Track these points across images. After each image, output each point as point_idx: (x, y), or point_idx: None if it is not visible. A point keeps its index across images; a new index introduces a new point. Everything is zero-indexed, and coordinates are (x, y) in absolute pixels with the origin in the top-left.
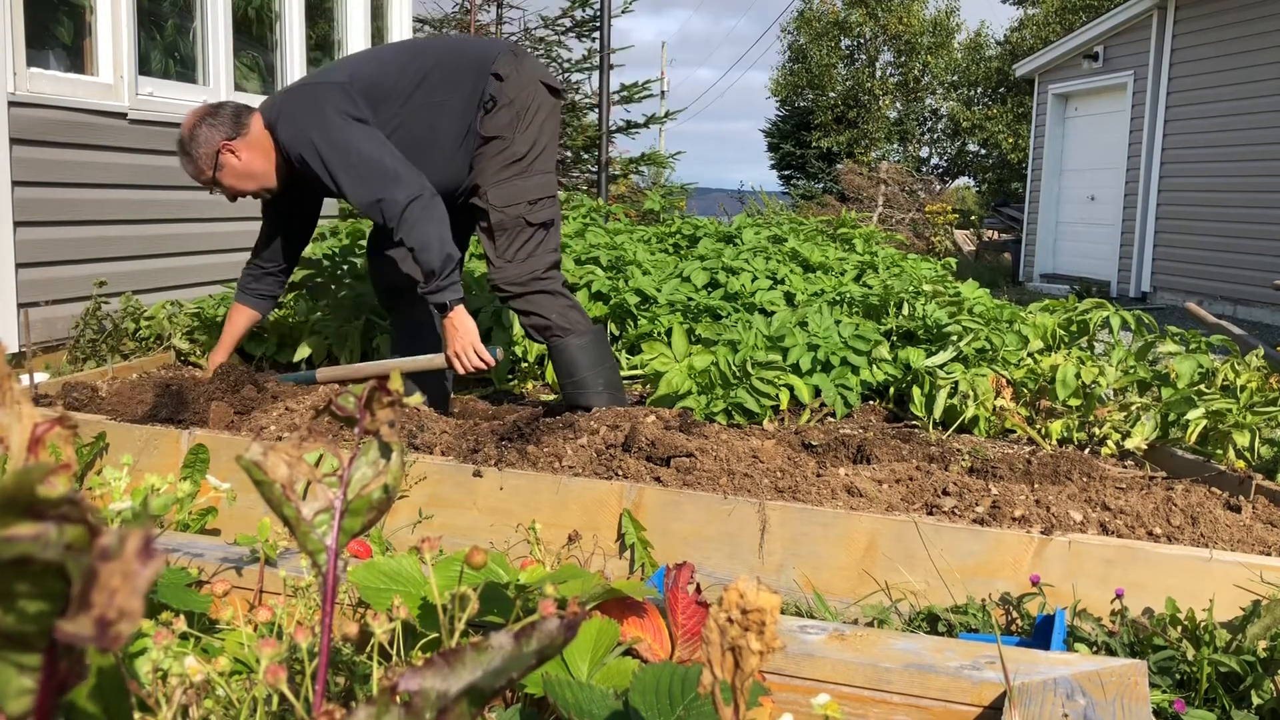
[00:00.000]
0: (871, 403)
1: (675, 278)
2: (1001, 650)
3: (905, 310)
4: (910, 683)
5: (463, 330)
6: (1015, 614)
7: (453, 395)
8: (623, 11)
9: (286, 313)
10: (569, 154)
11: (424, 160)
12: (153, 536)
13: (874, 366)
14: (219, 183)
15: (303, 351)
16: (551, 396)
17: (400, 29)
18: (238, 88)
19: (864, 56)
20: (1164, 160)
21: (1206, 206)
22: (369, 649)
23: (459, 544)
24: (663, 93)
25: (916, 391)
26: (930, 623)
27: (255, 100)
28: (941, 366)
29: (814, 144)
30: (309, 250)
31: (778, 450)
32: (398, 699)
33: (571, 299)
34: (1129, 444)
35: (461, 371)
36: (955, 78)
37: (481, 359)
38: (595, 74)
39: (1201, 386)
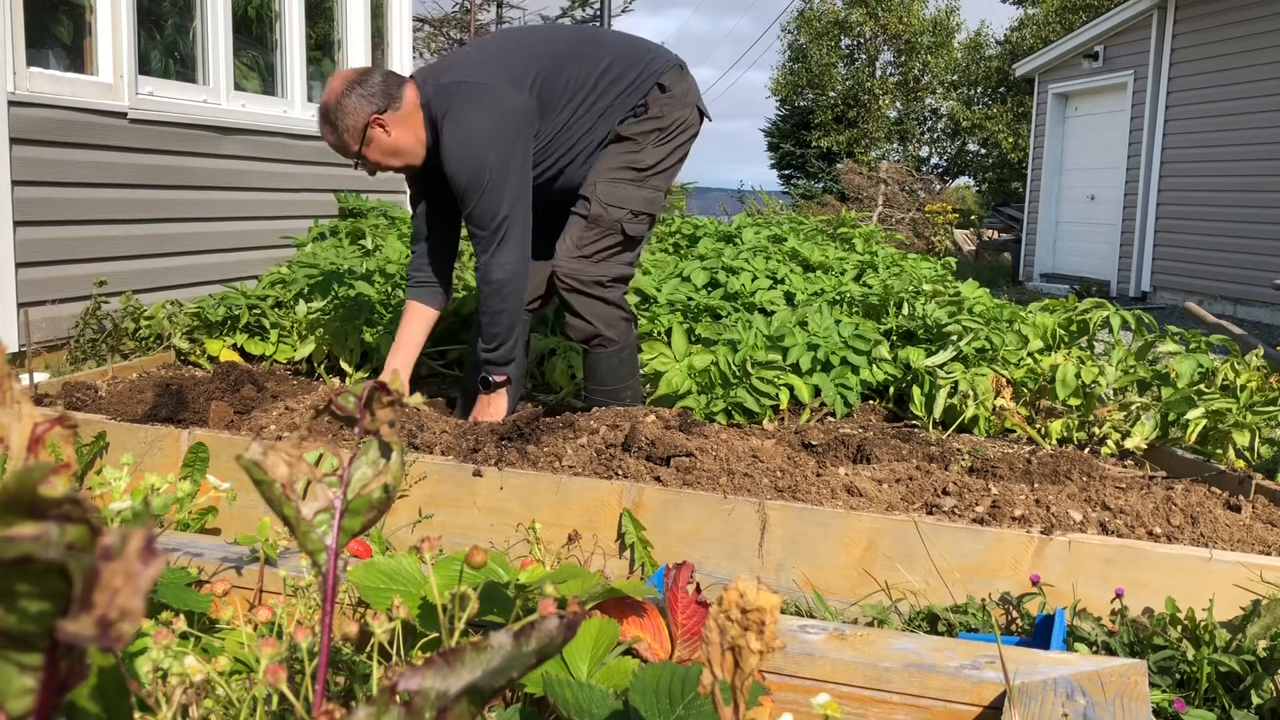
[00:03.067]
0: (871, 402)
1: (675, 277)
2: (1001, 650)
3: (905, 310)
4: (910, 682)
5: (493, 411)
6: (1015, 614)
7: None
8: (623, 11)
9: (286, 312)
10: None
11: (571, 163)
12: (154, 536)
13: (874, 366)
14: (363, 158)
15: (303, 351)
16: (550, 396)
17: (400, 29)
18: (238, 87)
19: (864, 56)
20: (1164, 160)
21: (1206, 206)
22: (369, 649)
23: (459, 544)
24: None
25: (916, 391)
26: (930, 622)
27: (256, 100)
28: (941, 366)
29: (814, 143)
30: (309, 249)
31: (778, 450)
32: (397, 698)
33: (627, 311)
34: (1129, 444)
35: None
36: (955, 77)
37: None
38: None
39: (1201, 386)
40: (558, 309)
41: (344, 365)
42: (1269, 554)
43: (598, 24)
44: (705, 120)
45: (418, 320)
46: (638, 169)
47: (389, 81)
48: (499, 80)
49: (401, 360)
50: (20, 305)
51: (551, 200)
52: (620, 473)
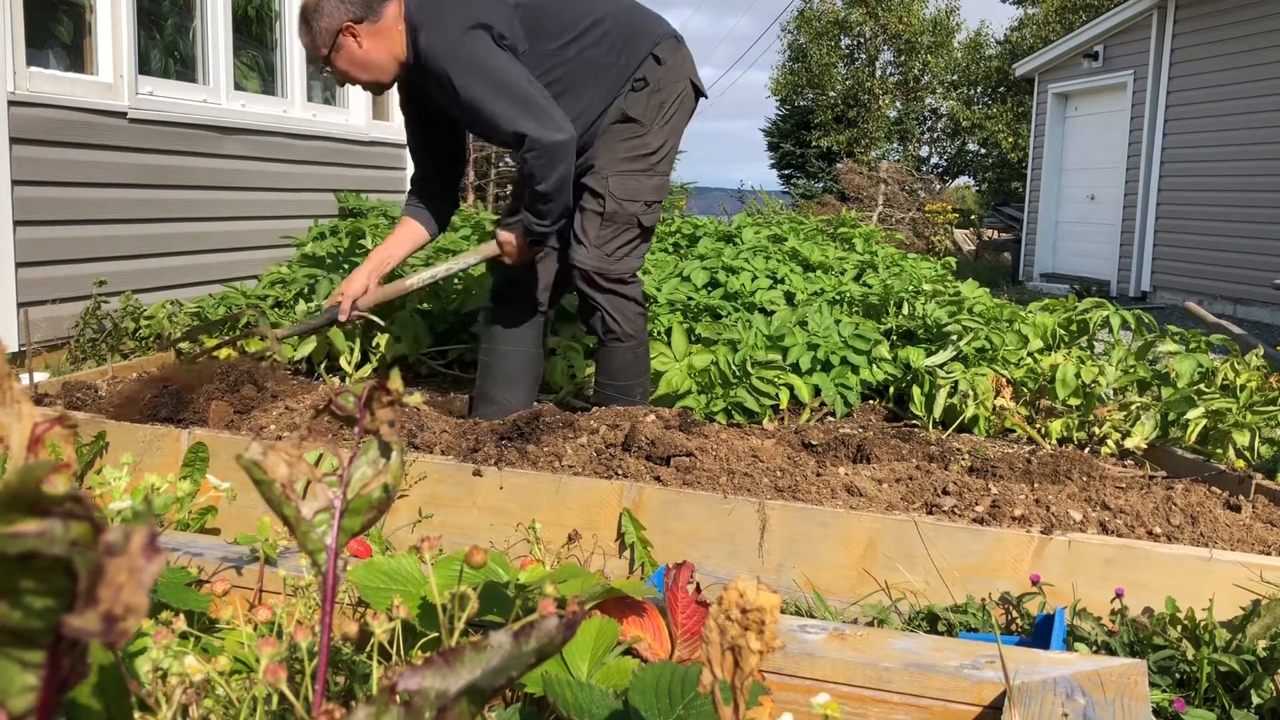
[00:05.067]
0: (871, 402)
1: (675, 277)
2: (1001, 650)
3: (905, 310)
4: (910, 682)
5: (528, 252)
6: (1015, 613)
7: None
8: None
9: (286, 312)
10: None
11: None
12: (156, 533)
13: (874, 366)
14: (331, 63)
15: (303, 350)
16: (550, 396)
17: None
18: (238, 87)
19: (864, 56)
20: (1164, 160)
21: (1206, 206)
22: (369, 648)
23: (459, 543)
24: None
25: (916, 391)
26: (930, 622)
27: (256, 99)
28: (941, 366)
29: (814, 143)
30: (309, 249)
31: (778, 450)
32: (397, 698)
33: (643, 305)
34: (1129, 443)
35: (509, 260)
36: (955, 77)
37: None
38: None
39: (1201, 386)
40: (558, 308)
41: (344, 365)
42: (1269, 554)
43: None
44: (701, 98)
45: (407, 233)
46: (645, 154)
47: None
48: None
49: (382, 251)
50: (20, 305)
51: None
52: (620, 472)
